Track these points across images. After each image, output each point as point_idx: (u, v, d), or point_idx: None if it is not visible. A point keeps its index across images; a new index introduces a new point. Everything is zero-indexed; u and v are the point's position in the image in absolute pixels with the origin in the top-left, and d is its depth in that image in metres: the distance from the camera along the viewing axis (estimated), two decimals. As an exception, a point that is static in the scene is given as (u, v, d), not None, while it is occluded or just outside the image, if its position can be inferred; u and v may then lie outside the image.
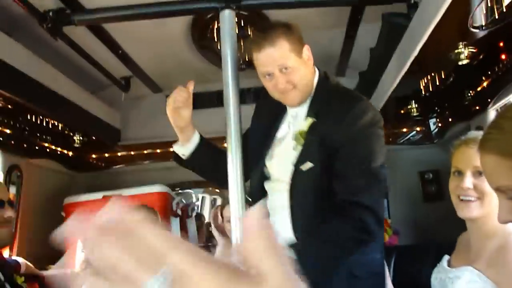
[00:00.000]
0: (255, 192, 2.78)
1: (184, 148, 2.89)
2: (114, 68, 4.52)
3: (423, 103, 4.42)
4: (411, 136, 5.13)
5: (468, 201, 2.29)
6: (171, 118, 2.74)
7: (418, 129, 5.07)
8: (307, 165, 2.50)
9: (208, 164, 2.89)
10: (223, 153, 2.73)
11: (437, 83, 3.70)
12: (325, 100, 2.61)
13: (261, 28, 2.63)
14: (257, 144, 2.77)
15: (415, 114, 4.61)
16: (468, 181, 2.28)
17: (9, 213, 3.02)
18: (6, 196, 3.05)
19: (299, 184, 2.53)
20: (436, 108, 4.62)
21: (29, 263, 4.02)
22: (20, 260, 3.95)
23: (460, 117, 4.32)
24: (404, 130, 5.13)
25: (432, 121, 4.89)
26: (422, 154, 5.17)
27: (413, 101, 4.44)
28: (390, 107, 4.39)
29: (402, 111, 4.63)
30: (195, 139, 2.90)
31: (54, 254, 4.73)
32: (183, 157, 2.90)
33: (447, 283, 2.29)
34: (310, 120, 2.55)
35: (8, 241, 3.25)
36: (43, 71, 3.78)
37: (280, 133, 2.74)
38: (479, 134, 2.31)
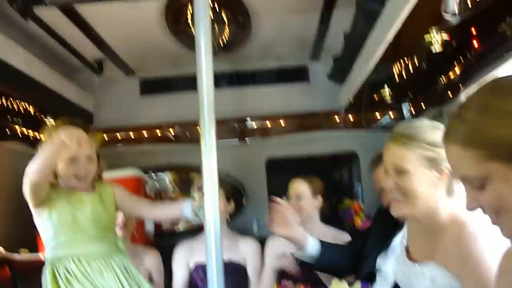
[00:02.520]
0: None
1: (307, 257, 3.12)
2: (86, 50, 4.48)
3: (396, 89, 4.44)
4: (385, 122, 5.16)
5: (396, 201, 2.30)
6: None
7: (391, 114, 5.11)
8: None
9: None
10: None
11: (411, 69, 3.72)
12: None
13: None
14: None
15: (388, 100, 4.63)
16: (390, 181, 2.29)
17: None
18: None
19: None
20: (409, 94, 4.64)
21: (-1, 247, 3.98)
22: (-12, 244, 3.92)
23: (433, 103, 4.35)
24: (378, 115, 5.17)
25: (405, 107, 4.92)
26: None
27: (387, 87, 4.46)
28: (364, 92, 4.41)
29: (375, 97, 4.65)
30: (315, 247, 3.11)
31: (26, 237, 4.69)
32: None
33: (412, 280, 2.29)
34: None
35: None
36: (14, 53, 3.72)
37: None
38: (398, 129, 2.32)
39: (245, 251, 4.25)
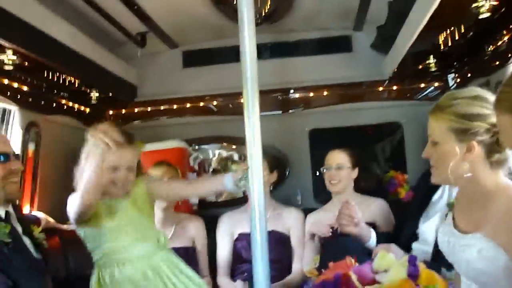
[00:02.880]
0: None
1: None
2: (130, 24, 4.51)
3: (441, 58, 4.36)
4: (429, 92, 5.08)
5: (432, 169, 2.38)
6: None
7: (436, 84, 5.02)
8: None
9: None
10: None
11: (457, 38, 3.64)
12: None
13: None
14: None
15: (433, 70, 4.55)
16: (426, 149, 2.36)
17: (16, 164, 2.94)
18: (10, 149, 2.98)
19: None
20: (455, 63, 4.55)
21: (49, 218, 4.08)
22: (41, 215, 4.02)
23: (479, 73, 4.25)
24: (422, 85, 5.08)
25: (450, 77, 4.83)
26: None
27: (432, 56, 4.37)
28: (408, 62, 4.34)
29: (420, 66, 4.57)
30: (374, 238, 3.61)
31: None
32: None
33: (457, 250, 2.28)
34: None
35: (16, 195, 3.19)
36: (59, 28, 3.77)
37: None
38: (438, 102, 2.33)
39: (288, 221, 4.28)
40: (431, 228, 3.28)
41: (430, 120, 2.33)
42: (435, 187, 3.37)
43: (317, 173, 5.05)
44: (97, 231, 3.01)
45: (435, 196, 3.44)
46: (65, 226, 4.14)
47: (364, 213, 3.76)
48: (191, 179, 4.03)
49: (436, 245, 2.81)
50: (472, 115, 2.19)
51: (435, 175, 2.38)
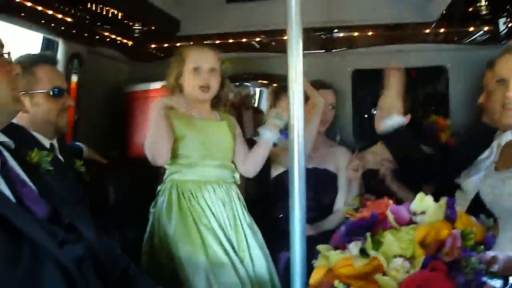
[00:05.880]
0: None
1: None
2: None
3: (493, 0, 4.22)
4: (478, 36, 4.93)
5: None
6: None
7: (486, 28, 4.87)
8: None
9: None
10: None
11: (511, -21, 3.52)
12: None
13: None
14: None
15: (484, 13, 4.42)
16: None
17: (70, 101, 3.13)
18: (65, 85, 3.13)
19: None
20: (508, 7, 4.41)
21: (91, 149, 4.15)
22: (83, 145, 4.09)
23: (533, 17, 4.13)
24: (471, 29, 4.93)
25: (502, 21, 4.68)
26: (488, 55, 4.97)
27: (483, -2, 4.25)
28: (457, 3, 4.22)
29: (470, 9, 4.44)
30: None
31: (114, 140, 4.89)
32: None
33: (498, 185, 2.31)
34: None
35: (66, 129, 3.30)
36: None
37: None
38: None
39: (340, 160, 4.27)
40: (470, 186, 3.20)
41: None
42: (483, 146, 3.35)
43: (366, 116, 5.02)
44: (185, 145, 3.13)
45: (482, 156, 3.39)
46: (104, 160, 4.21)
47: None
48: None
49: (473, 200, 2.80)
50: None
51: None
